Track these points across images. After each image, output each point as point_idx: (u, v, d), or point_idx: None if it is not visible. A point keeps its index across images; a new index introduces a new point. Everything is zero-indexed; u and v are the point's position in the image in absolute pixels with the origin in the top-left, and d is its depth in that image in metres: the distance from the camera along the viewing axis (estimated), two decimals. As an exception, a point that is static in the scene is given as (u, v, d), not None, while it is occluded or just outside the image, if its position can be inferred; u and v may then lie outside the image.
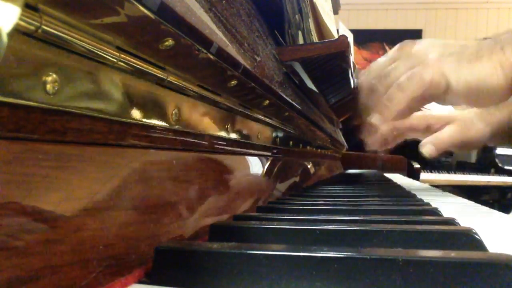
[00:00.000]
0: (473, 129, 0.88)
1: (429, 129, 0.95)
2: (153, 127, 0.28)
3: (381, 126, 0.78)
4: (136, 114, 0.26)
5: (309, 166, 0.98)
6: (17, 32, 0.17)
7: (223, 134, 0.41)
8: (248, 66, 0.39)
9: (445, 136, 0.89)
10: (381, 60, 0.74)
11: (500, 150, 2.74)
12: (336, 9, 1.41)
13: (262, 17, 0.68)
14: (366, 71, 0.76)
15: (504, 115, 0.87)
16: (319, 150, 1.08)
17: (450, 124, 0.91)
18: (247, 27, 0.50)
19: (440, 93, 0.65)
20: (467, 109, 0.92)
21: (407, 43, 0.72)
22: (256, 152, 0.55)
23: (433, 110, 0.98)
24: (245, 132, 0.48)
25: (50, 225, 0.19)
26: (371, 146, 0.84)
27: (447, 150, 0.93)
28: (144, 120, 0.27)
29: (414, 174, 2.01)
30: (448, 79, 0.64)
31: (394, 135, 0.96)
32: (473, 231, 0.31)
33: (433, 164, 2.59)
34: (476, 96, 0.64)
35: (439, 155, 0.92)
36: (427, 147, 0.88)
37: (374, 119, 0.68)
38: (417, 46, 0.70)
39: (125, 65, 0.24)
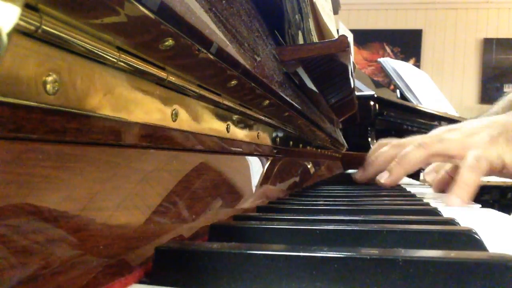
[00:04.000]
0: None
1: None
2: (153, 127, 0.28)
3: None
4: (136, 114, 0.26)
5: (309, 166, 0.98)
6: (17, 32, 0.17)
7: (223, 134, 0.41)
8: (248, 66, 0.39)
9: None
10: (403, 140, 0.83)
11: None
12: (336, 9, 1.41)
13: (262, 17, 0.68)
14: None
15: None
16: (319, 150, 1.08)
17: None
18: (247, 27, 0.50)
19: (497, 172, 0.71)
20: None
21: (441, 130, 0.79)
22: (256, 152, 0.55)
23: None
24: (245, 132, 0.48)
25: (50, 225, 0.19)
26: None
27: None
28: (144, 120, 0.27)
29: (414, 174, 2.01)
30: (503, 160, 0.70)
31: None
32: (473, 231, 0.31)
33: (433, 164, 2.58)
34: None
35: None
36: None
37: (450, 200, 0.70)
38: (455, 132, 0.76)
39: (125, 65, 0.24)
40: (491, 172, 0.71)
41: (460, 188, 0.68)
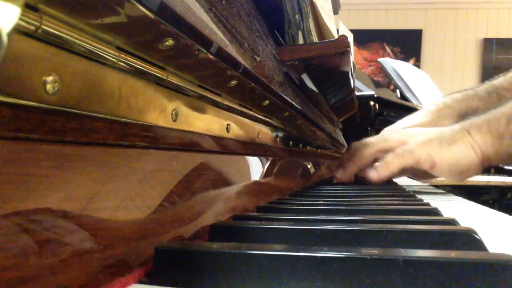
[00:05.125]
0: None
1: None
2: (153, 127, 0.28)
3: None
4: (136, 114, 0.26)
5: (309, 166, 0.98)
6: (17, 32, 0.17)
7: (223, 134, 0.41)
8: (248, 66, 0.39)
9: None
10: (369, 138, 0.95)
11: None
12: (336, 9, 1.41)
13: (262, 17, 0.67)
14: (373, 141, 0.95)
15: (462, 107, 1.00)
16: (319, 150, 1.08)
17: None
18: (247, 27, 0.50)
19: (426, 169, 0.83)
20: (426, 115, 1.05)
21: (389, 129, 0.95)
22: (256, 152, 0.55)
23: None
24: (245, 132, 0.48)
25: (50, 225, 0.19)
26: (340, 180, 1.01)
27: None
28: (144, 120, 0.27)
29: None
30: (433, 159, 0.81)
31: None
32: (473, 231, 0.31)
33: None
34: (455, 172, 0.81)
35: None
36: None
37: (372, 173, 0.87)
38: (405, 132, 0.90)
39: (125, 65, 0.24)
40: (420, 167, 0.82)
41: (381, 166, 0.84)
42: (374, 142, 0.92)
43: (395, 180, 1.29)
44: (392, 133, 0.93)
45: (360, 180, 0.99)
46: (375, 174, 0.86)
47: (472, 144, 0.80)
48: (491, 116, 0.80)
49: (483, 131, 0.79)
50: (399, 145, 0.86)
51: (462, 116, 0.98)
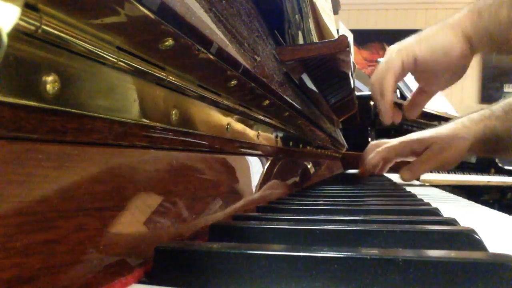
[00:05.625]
0: (449, 150, 1.03)
1: (413, 153, 1.11)
2: (153, 127, 0.28)
3: (371, 159, 1.04)
4: (136, 114, 0.26)
5: (309, 166, 0.98)
6: (17, 32, 0.17)
7: (223, 134, 0.41)
8: (248, 66, 0.39)
9: (420, 163, 1.08)
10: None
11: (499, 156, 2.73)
12: (336, 9, 1.41)
13: (262, 17, 0.67)
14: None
15: (480, 128, 1.03)
16: (319, 150, 1.08)
17: (429, 147, 1.06)
18: (247, 27, 0.50)
19: (413, 68, 0.85)
20: (447, 128, 1.08)
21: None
22: (256, 152, 0.55)
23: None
24: (245, 132, 0.48)
25: (50, 225, 0.19)
26: (364, 173, 1.09)
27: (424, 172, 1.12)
28: (144, 120, 0.27)
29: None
30: (413, 53, 0.82)
31: (384, 163, 1.18)
32: (473, 231, 0.31)
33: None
34: (440, 56, 0.82)
35: (417, 179, 1.15)
36: (406, 174, 1.09)
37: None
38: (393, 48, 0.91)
39: (125, 65, 0.24)
40: (406, 69, 0.84)
41: (374, 74, 0.87)
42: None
43: (395, 180, 1.29)
44: None
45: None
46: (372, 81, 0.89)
47: (451, 24, 0.81)
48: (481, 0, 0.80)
49: (463, 11, 0.81)
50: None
51: (479, 136, 1.01)
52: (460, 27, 0.81)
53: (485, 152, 1.09)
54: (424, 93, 1.00)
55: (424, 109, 2.16)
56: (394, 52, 0.86)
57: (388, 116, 0.98)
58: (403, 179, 1.08)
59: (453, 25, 0.82)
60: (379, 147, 1.14)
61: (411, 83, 2.38)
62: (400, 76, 0.87)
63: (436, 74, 0.88)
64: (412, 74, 0.90)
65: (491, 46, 0.83)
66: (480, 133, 1.01)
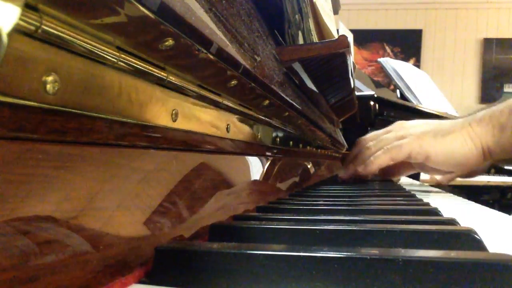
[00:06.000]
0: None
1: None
2: (153, 127, 0.28)
3: (377, 158, 0.99)
4: (136, 114, 0.26)
5: (309, 166, 0.98)
6: (17, 32, 0.17)
7: (223, 134, 0.41)
8: (248, 66, 0.39)
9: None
10: (379, 131, 0.98)
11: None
12: (336, 9, 1.41)
13: (262, 17, 0.67)
14: (367, 135, 1.00)
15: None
16: (319, 150, 1.08)
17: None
18: (247, 27, 0.50)
19: (421, 162, 0.85)
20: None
21: (400, 122, 0.96)
22: (256, 152, 0.55)
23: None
24: (245, 132, 0.48)
25: (50, 225, 0.19)
26: (354, 175, 1.03)
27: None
28: (144, 120, 0.27)
29: (414, 174, 2.01)
30: (426, 150, 0.82)
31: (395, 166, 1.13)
32: (473, 231, 0.31)
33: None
34: (452, 164, 0.82)
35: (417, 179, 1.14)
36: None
37: (361, 168, 0.91)
38: (407, 123, 0.92)
39: (125, 65, 0.24)
40: (413, 160, 0.85)
41: (369, 161, 0.88)
42: (372, 145, 0.94)
43: (395, 180, 1.29)
44: (395, 129, 0.95)
45: (358, 179, 1.03)
46: (363, 169, 0.90)
47: (470, 134, 0.79)
48: (495, 109, 0.80)
49: (484, 122, 0.78)
50: (393, 140, 0.89)
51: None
52: (480, 141, 0.79)
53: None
54: (410, 170, 1.02)
55: (424, 109, 2.17)
56: (408, 139, 0.84)
57: (344, 178, 1.00)
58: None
59: (473, 137, 0.79)
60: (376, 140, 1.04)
61: (411, 83, 2.38)
62: (397, 162, 0.88)
63: (442, 172, 0.89)
64: (413, 164, 0.90)
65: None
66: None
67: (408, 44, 4.73)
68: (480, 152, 0.79)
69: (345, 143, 1.58)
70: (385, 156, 0.86)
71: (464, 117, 0.85)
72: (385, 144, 0.88)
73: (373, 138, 0.97)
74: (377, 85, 2.71)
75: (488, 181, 2.65)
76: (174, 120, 0.31)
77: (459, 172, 0.87)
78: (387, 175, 1.07)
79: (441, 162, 0.82)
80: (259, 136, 0.54)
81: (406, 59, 4.42)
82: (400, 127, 0.93)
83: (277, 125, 0.60)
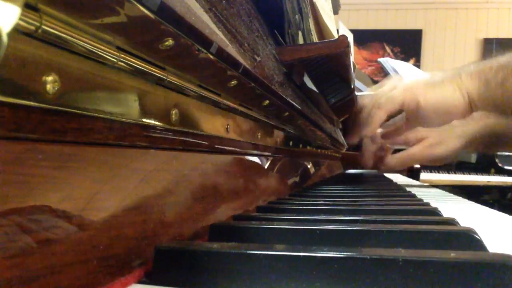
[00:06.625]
0: (441, 147, 1.04)
1: (407, 144, 1.12)
2: (153, 127, 0.28)
3: (369, 147, 1.03)
4: (136, 114, 0.26)
5: (309, 166, 0.98)
6: (17, 32, 0.17)
7: (223, 134, 0.41)
8: (248, 66, 0.39)
9: (409, 156, 1.09)
10: (374, 87, 1.01)
11: (500, 151, 2.74)
12: (336, 9, 1.41)
13: (262, 17, 0.67)
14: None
15: (478, 127, 1.04)
16: (319, 150, 1.08)
17: (422, 141, 1.07)
18: (247, 27, 0.50)
19: (412, 110, 0.86)
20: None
21: (393, 77, 0.98)
22: (256, 152, 0.55)
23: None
24: (245, 132, 0.48)
25: (50, 225, 0.19)
26: (365, 165, 1.08)
27: (411, 165, 1.12)
28: (144, 120, 0.27)
29: (414, 174, 2.01)
30: (417, 98, 0.84)
31: (383, 150, 1.17)
32: (473, 231, 0.31)
33: (433, 164, 2.59)
34: (442, 112, 0.84)
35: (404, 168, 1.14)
36: (393, 161, 1.10)
37: (364, 131, 0.93)
38: (398, 77, 0.94)
39: (125, 65, 0.24)
40: (406, 108, 0.86)
41: (367, 122, 0.89)
42: (367, 103, 0.95)
43: (395, 180, 1.29)
44: (387, 83, 0.97)
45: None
46: (366, 130, 0.92)
47: (459, 85, 0.83)
48: (486, 64, 0.83)
49: (473, 76, 0.82)
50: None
51: (477, 135, 1.02)
52: (466, 91, 0.82)
53: (484, 148, 1.10)
54: (408, 127, 1.02)
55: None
56: (401, 89, 0.87)
57: (369, 161, 1.00)
58: (388, 165, 1.08)
59: (462, 88, 0.83)
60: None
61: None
62: (393, 113, 0.89)
63: (431, 121, 0.91)
64: (407, 115, 0.92)
65: (495, 111, 0.85)
66: (478, 130, 1.01)
67: (408, 44, 4.73)
68: (467, 103, 0.82)
69: (345, 143, 1.58)
70: (381, 111, 0.88)
71: (455, 69, 0.88)
72: (379, 99, 0.91)
73: (368, 99, 0.98)
74: (377, 85, 2.70)
75: (488, 181, 2.65)
76: (174, 120, 0.31)
77: (449, 120, 0.89)
78: (388, 137, 1.08)
79: (430, 109, 0.85)
80: (259, 136, 0.54)
81: (406, 59, 4.42)
82: (393, 79, 0.95)
83: (277, 125, 0.60)
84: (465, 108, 0.83)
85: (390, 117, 0.91)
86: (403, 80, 0.90)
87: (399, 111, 0.89)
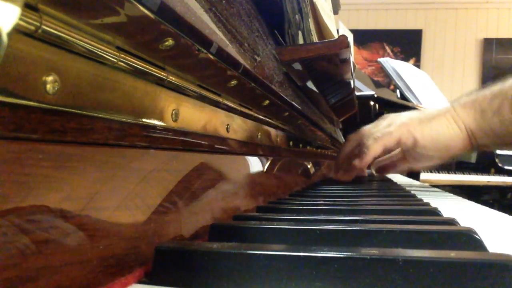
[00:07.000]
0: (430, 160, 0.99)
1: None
2: (153, 127, 0.28)
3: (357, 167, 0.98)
4: (136, 114, 0.26)
5: (309, 166, 0.98)
6: (17, 32, 0.17)
7: (223, 134, 0.41)
8: (248, 66, 0.39)
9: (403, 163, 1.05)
10: (367, 126, 0.97)
11: (500, 150, 2.74)
12: (336, 9, 1.41)
13: (262, 17, 0.67)
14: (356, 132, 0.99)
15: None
16: (319, 150, 1.08)
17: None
18: (247, 27, 0.50)
19: (409, 147, 0.85)
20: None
21: (386, 115, 0.97)
22: (256, 152, 0.55)
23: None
24: (245, 132, 0.48)
25: (50, 225, 0.19)
26: (344, 179, 1.02)
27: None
28: (144, 120, 0.27)
29: (414, 174, 2.01)
30: (413, 135, 0.83)
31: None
32: (473, 231, 0.31)
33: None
34: (441, 146, 0.83)
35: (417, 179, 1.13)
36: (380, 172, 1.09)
37: (356, 162, 0.90)
38: (392, 115, 0.93)
39: (125, 65, 0.24)
40: (403, 146, 0.85)
41: (362, 153, 0.88)
42: (363, 137, 0.94)
43: (395, 180, 1.29)
44: (382, 121, 0.95)
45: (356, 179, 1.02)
46: (358, 162, 0.89)
47: (454, 117, 0.81)
48: (479, 94, 0.82)
49: (467, 106, 0.81)
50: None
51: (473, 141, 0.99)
52: (462, 122, 0.81)
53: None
54: (405, 163, 0.99)
55: (424, 109, 2.17)
56: (396, 125, 0.86)
57: (342, 173, 0.98)
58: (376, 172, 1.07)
59: (457, 120, 0.81)
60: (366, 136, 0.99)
61: (411, 83, 2.38)
62: (389, 150, 0.88)
63: (430, 158, 0.89)
64: (404, 152, 0.90)
65: (496, 142, 0.82)
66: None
67: (408, 44, 4.73)
68: (465, 135, 0.81)
69: (345, 143, 1.58)
70: (377, 144, 0.87)
71: (449, 102, 0.87)
72: (376, 133, 0.90)
73: (362, 132, 0.97)
74: (377, 85, 2.71)
75: (488, 181, 2.65)
76: (174, 120, 0.31)
77: (443, 155, 0.87)
78: (383, 170, 1.06)
79: (428, 145, 0.83)
80: (259, 136, 0.54)
81: (406, 59, 4.42)
82: (387, 118, 0.94)
83: (277, 125, 0.60)
84: (464, 141, 0.81)
85: (386, 152, 0.91)
86: (397, 118, 0.89)
87: (395, 147, 0.88)
